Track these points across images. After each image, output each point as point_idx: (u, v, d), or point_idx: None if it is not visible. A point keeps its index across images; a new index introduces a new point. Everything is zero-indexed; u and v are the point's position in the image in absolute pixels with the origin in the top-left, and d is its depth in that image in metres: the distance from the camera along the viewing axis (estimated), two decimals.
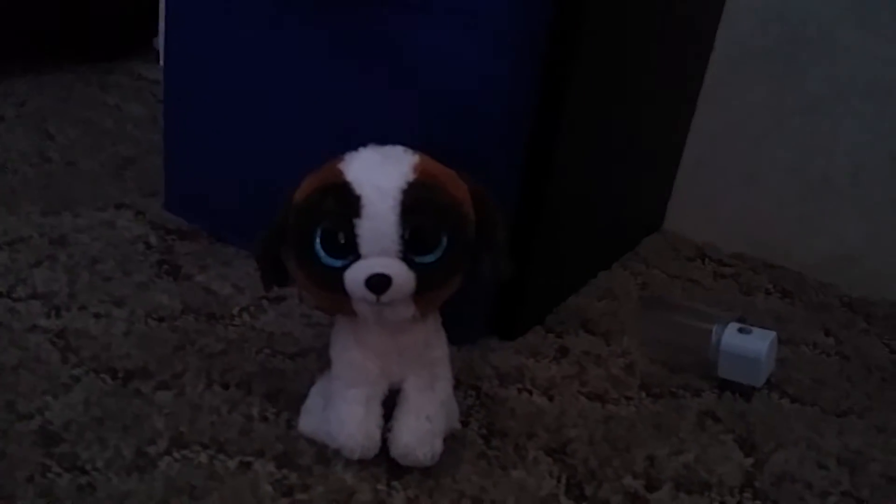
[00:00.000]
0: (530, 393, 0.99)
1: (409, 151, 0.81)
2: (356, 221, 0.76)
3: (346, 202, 0.76)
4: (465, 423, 0.92)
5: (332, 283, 0.78)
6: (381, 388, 0.84)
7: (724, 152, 1.40)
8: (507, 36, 0.92)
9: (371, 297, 0.76)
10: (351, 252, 0.77)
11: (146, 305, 1.04)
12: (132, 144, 1.46)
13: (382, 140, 0.82)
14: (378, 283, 0.75)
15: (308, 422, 0.88)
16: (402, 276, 0.76)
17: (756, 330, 1.03)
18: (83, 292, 1.05)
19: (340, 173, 0.78)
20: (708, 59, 1.37)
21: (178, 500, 0.77)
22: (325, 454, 0.85)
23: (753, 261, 1.38)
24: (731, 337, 1.02)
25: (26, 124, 1.48)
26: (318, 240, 0.77)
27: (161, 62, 1.85)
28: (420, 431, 0.83)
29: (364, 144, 0.82)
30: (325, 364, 0.95)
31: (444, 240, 0.78)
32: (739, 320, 1.06)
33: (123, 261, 1.13)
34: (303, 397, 0.90)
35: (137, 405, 0.88)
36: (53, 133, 1.46)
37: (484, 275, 0.83)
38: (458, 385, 0.92)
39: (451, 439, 0.87)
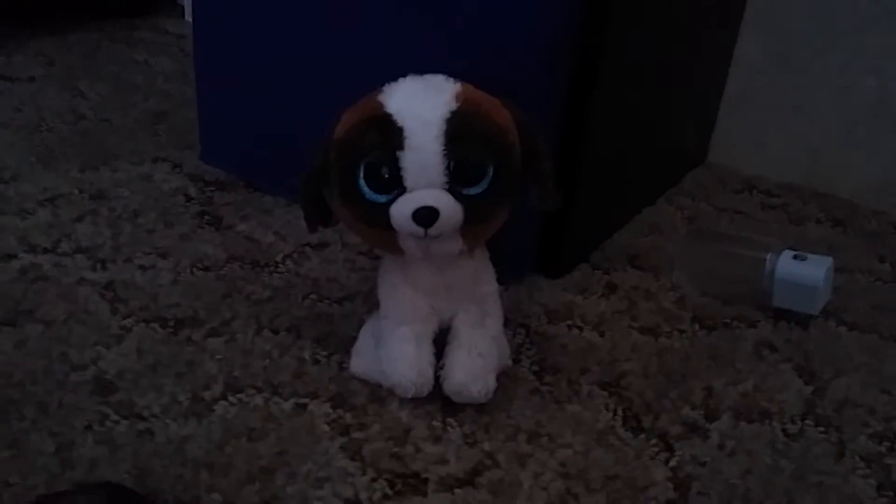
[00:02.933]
0: (580, 329, 0.97)
1: (451, 80, 0.78)
2: (400, 154, 0.74)
3: (389, 135, 0.74)
4: (516, 361, 0.91)
5: (377, 218, 0.76)
6: (431, 326, 0.83)
7: (769, 81, 1.35)
8: None
9: (419, 230, 0.75)
10: (396, 186, 0.75)
11: (191, 256, 1.04)
12: (163, 99, 1.45)
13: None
14: (426, 216, 0.74)
15: (359, 363, 0.87)
16: (449, 207, 0.74)
17: (811, 257, 1.00)
18: (127, 245, 1.05)
19: (381, 105, 0.76)
20: None
21: (237, 443, 0.78)
22: (379, 393, 0.85)
23: (802, 190, 1.34)
24: (786, 265, 0.99)
25: (57, 83, 1.48)
26: (361, 175, 0.75)
27: (187, 16, 1.83)
28: (473, 367, 0.82)
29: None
30: (372, 307, 0.94)
31: (491, 170, 0.75)
32: (792, 248, 1.03)
33: (164, 213, 1.12)
34: (352, 340, 0.89)
35: (189, 352, 0.88)
36: (84, 90, 1.46)
37: (532, 205, 0.81)
38: (506, 324, 0.90)
39: (503, 376, 0.86)
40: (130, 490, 0.71)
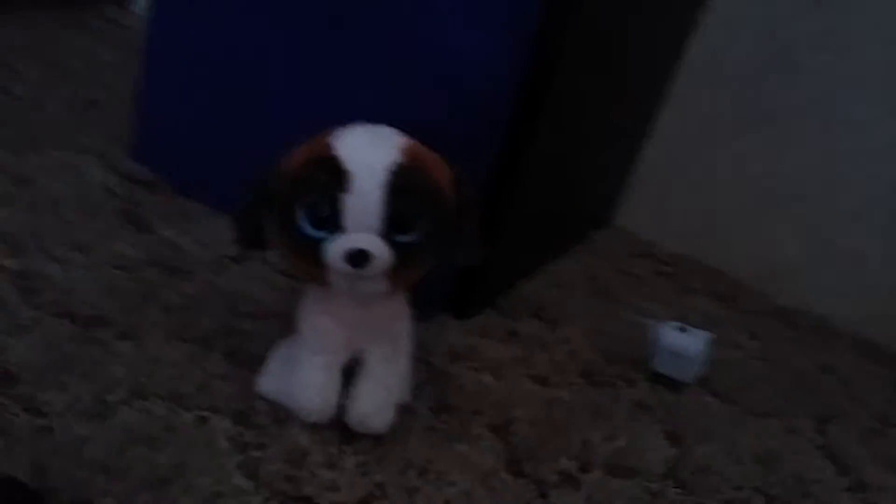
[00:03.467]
0: (479, 371, 1.04)
1: (398, 133, 0.83)
2: (342, 196, 0.78)
3: (335, 176, 0.78)
4: (416, 397, 0.96)
5: (311, 253, 0.80)
6: (343, 357, 0.88)
7: (680, 157, 1.46)
8: (496, 32, 0.95)
9: (350, 270, 0.79)
10: (333, 225, 0.79)
11: (109, 254, 1.05)
12: (99, 88, 1.44)
13: (356, 110, 0.84)
14: (358, 257, 0.78)
15: (268, 382, 0.90)
16: (381, 252, 0.79)
17: (693, 330, 1.10)
18: (46, 235, 1.05)
19: (331, 148, 0.80)
20: (677, 63, 1.42)
21: (136, 449, 0.80)
22: (281, 415, 0.88)
23: (695, 263, 1.46)
24: (670, 334, 1.09)
25: None
26: (303, 211, 0.79)
27: (133, 7, 1.81)
28: (378, 400, 0.87)
29: (340, 117, 0.84)
30: (284, 328, 0.98)
31: (424, 221, 0.81)
32: (677, 319, 1.13)
33: (86, 206, 1.13)
34: (261, 359, 0.93)
35: (97, 352, 0.89)
36: (21, 70, 1.43)
37: (457, 258, 0.87)
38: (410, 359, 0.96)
39: (401, 411, 0.91)
40: (23, 483, 0.72)
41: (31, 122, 1.29)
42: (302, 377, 0.86)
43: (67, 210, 1.11)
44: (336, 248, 0.79)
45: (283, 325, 0.99)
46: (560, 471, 0.92)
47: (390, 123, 0.85)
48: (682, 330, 1.10)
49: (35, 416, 0.80)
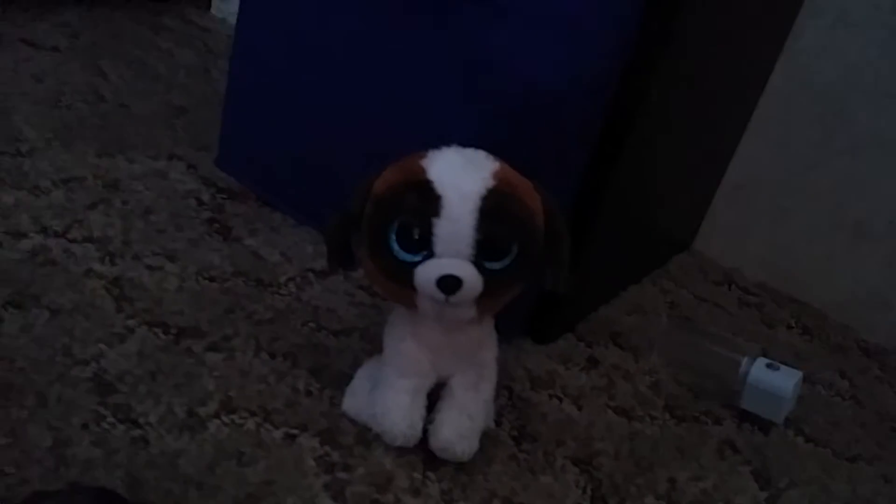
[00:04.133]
0: (560, 400, 1.02)
1: (490, 157, 0.82)
2: (434, 220, 0.78)
3: (427, 200, 0.78)
4: (497, 423, 0.95)
5: (401, 276, 0.80)
6: (429, 381, 0.87)
7: (763, 182, 1.42)
8: (586, 46, 0.94)
9: (441, 296, 0.79)
10: (425, 249, 0.79)
11: (197, 263, 1.06)
12: (184, 93, 1.47)
13: (443, 133, 0.84)
14: (450, 283, 0.78)
15: (353, 403, 0.90)
16: (472, 279, 0.78)
17: (783, 368, 1.07)
18: (137, 242, 1.07)
19: (423, 171, 0.80)
20: (763, 87, 1.38)
21: (228, 465, 0.80)
22: (366, 436, 0.88)
23: (777, 293, 1.41)
24: (759, 371, 1.05)
25: (80, 58, 1.48)
26: (394, 233, 0.79)
27: (213, 10, 1.84)
28: (461, 428, 0.86)
29: (426, 137, 0.83)
30: (368, 345, 0.98)
31: (515, 248, 0.80)
32: (764, 354, 1.09)
33: (175, 214, 1.14)
34: (345, 376, 0.93)
35: (189, 364, 0.90)
36: (106, 71, 1.46)
37: (545, 285, 0.86)
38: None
39: (483, 437, 0.90)
40: (123, 498, 0.73)
41: (119, 126, 1.31)
42: (387, 400, 0.86)
43: (158, 218, 1.13)
44: (427, 273, 0.78)
45: (366, 342, 0.99)
46: None
47: (475, 141, 0.84)
48: (772, 367, 1.06)
49: (131, 427, 0.81)
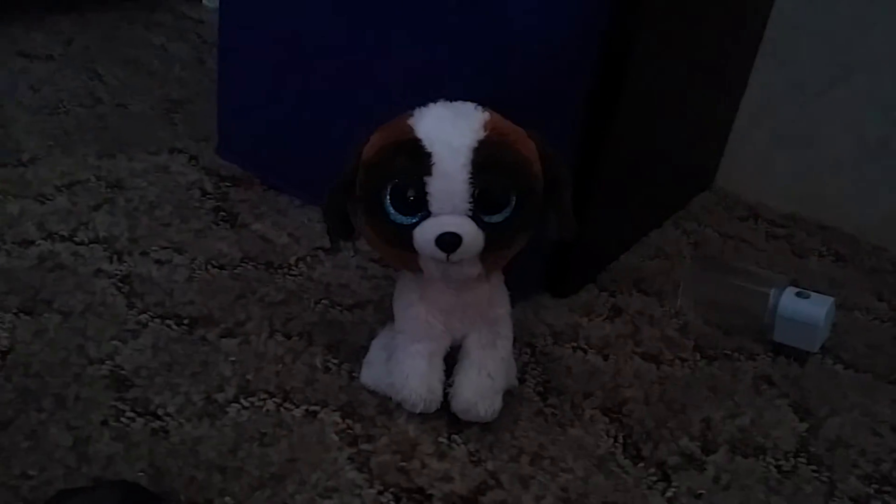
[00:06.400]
0: (585, 352, 1.00)
1: (479, 108, 0.80)
2: (427, 179, 0.75)
3: (417, 159, 0.76)
4: (521, 381, 0.93)
5: (400, 239, 0.78)
6: (443, 344, 0.85)
7: (780, 109, 1.37)
8: None
9: (441, 255, 0.76)
10: (421, 209, 0.76)
11: (206, 253, 1.05)
12: (180, 87, 1.46)
13: (440, 90, 0.81)
14: (449, 241, 0.75)
15: (370, 374, 0.89)
16: (471, 234, 0.76)
17: (814, 295, 1.03)
18: (144, 238, 1.06)
19: (410, 129, 0.77)
20: (770, 10, 1.33)
21: (249, 447, 0.80)
22: (387, 406, 0.87)
23: (806, 222, 1.36)
24: (789, 301, 1.02)
25: (75, 64, 1.48)
26: (388, 197, 0.77)
27: (204, 1, 1.83)
28: (482, 387, 0.84)
29: (420, 96, 0.81)
30: (383, 317, 0.96)
31: (514, 199, 0.77)
32: (794, 284, 1.05)
33: (180, 207, 1.14)
34: (362, 349, 0.91)
35: (204, 352, 0.90)
36: (102, 73, 1.46)
37: (550, 234, 0.83)
38: (513, 342, 0.92)
39: (508, 396, 0.88)
40: (146, 490, 0.72)
41: (118, 125, 1.31)
42: (404, 367, 0.84)
43: (162, 212, 1.12)
44: (425, 234, 0.76)
45: (381, 314, 0.98)
46: (682, 452, 0.87)
47: (469, 94, 0.81)
48: (802, 296, 1.02)
49: (150, 419, 0.81)
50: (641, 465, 0.85)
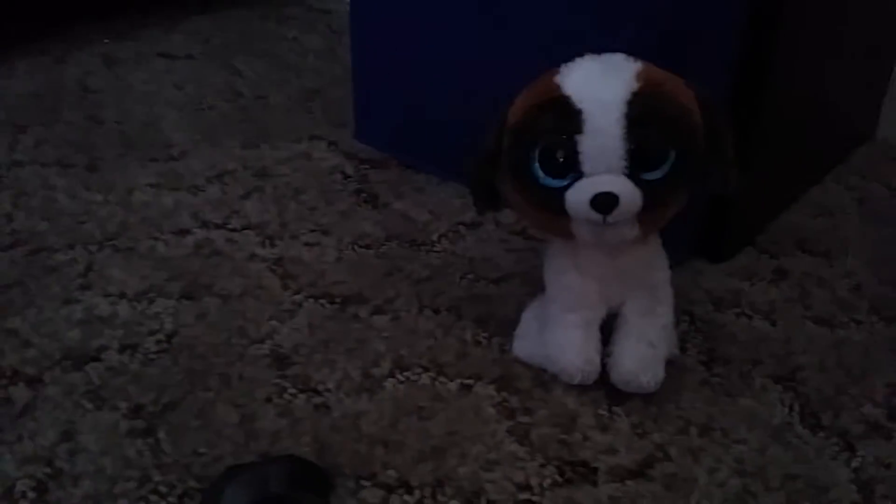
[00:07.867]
0: (750, 318, 0.93)
1: (631, 59, 0.75)
2: (578, 138, 0.72)
3: (566, 118, 0.72)
4: (682, 350, 0.88)
5: (551, 203, 0.75)
6: (599, 313, 0.82)
7: None
8: None
9: (597, 217, 0.73)
10: (572, 171, 0.73)
11: (351, 233, 1.07)
12: (315, 76, 1.49)
13: (585, 46, 0.77)
14: (604, 202, 0.72)
15: (522, 346, 0.87)
16: (629, 194, 0.72)
17: None
18: (292, 222, 1.09)
19: (557, 87, 0.74)
20: None
21: (409, 421, 0.79)
22: (543, 378, 0.85)
23: None
24: None
25: (214, 61, 1.54)
26: (536, 160, 0.74)
27: None
28: (643, 357, 0.81)
29: (560, 54, 0.76)
30: (530, 289, 0.94)
31: (673, 153, 0.73)
32: None
33: (324, 191, 1.16)
34: (511, 322, 0.89)
35: (358, 329, 0.91)
36: (240, 68, 1.51)
37: (713, 189, 0.78)
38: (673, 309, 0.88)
39: (669, 366, 0.84)
40: (313, 464, 0.74)
41: (260, 117, 1.35)
42: (559, 338, 0.82)
43: (308, 197, 1.14)
44: (578, 195, 0.73)
45: (528, 285, 0.96)
46: (866, 420, 0.80)
47: (618, 45, 0.77)
48: None
49: (312, 395, 0.82)
50: (822, 434, 0.79)
